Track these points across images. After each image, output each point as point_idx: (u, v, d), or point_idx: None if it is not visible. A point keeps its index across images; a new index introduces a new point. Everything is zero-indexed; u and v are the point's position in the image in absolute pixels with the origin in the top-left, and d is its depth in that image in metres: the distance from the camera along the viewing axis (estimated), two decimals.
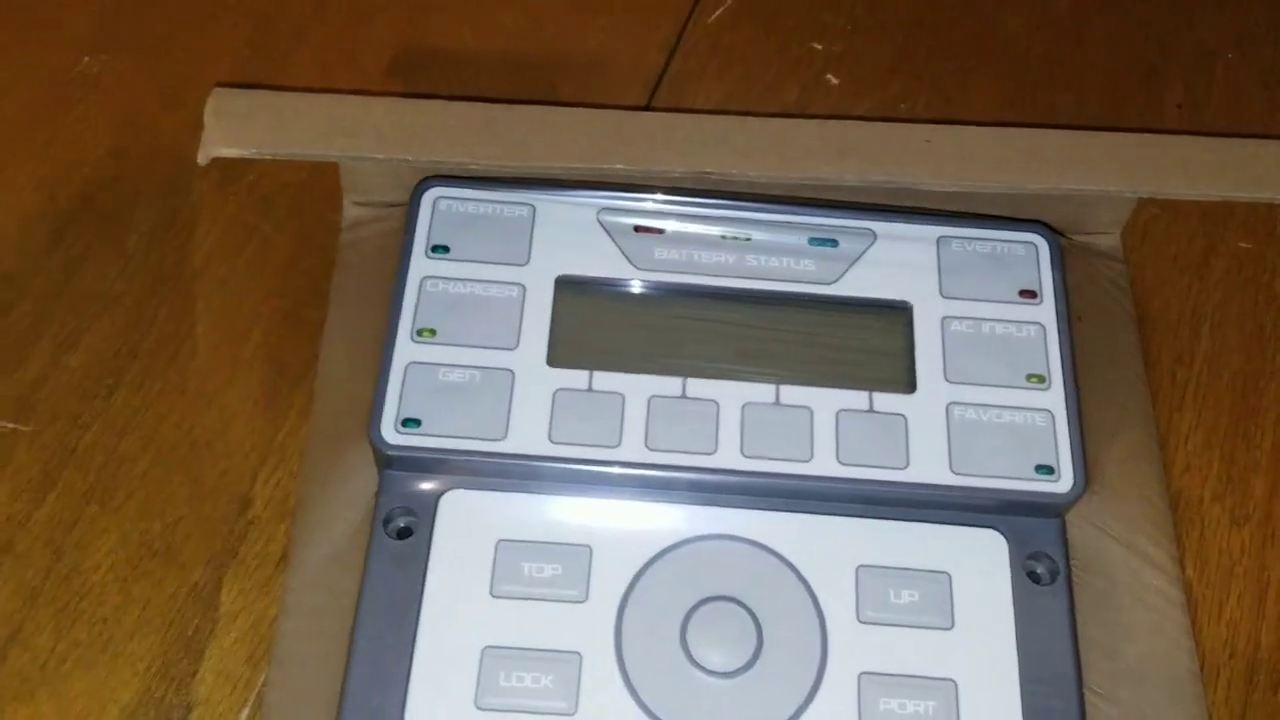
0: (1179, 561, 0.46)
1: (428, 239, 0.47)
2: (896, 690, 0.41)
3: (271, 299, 0.51)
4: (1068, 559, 0.44)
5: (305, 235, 0.53)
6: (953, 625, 0.42)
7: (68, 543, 0.46)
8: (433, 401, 0.44)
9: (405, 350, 0.45)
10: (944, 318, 0.47)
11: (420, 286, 0.46)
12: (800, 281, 0.48)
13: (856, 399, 0.45)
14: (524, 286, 0.47)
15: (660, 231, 0.48)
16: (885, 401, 0.45)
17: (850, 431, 0.44)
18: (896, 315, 0.47)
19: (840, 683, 0.41)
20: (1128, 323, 0.51)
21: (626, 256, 0.48)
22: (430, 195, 0.48)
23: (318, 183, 0.53)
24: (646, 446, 0.44)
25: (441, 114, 0.49)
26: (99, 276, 0.52)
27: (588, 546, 0.43)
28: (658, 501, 0.44)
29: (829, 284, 0.47)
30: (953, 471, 0.44)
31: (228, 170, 0.54)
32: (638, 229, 0.48)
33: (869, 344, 0.47)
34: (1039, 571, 0.43)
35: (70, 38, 0.58)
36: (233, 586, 0.46)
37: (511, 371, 0.45)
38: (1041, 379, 0.46)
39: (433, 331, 0.45)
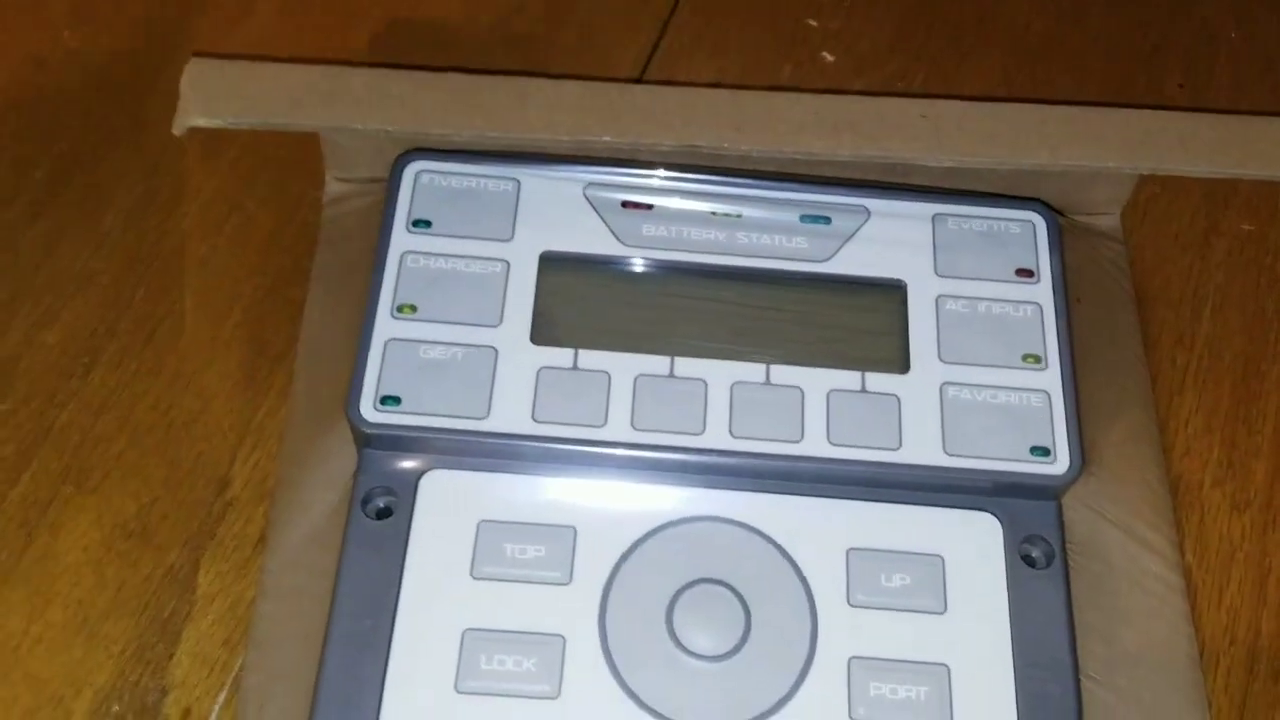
0: (1178, 547, 0.45)
1: (409, 213, 0.46)
2: (887, 675, 0.40)
3: (252, 277, 0.51)
4: (1064, 542, 0.43)
5: (286, 212, 0.52)
6: (945, 609, 0.41)
7: (42, 523, 0.45)
8: (413, 379, 0.43)
9: (385, 327, 0.44)
10: (939, 297, 0.46)
11: (401, 262, 0.45)
12: (792, 259, 0.47)
13: (848, 379, 0.44)
14: (507, 263, 0.46)
15: (648, 207, 0.47)
16: (878, 381, 0.44)
17: (842, 412, 0.43)
18: (890, 294, 0.46)
19: (830, 667, 0.40)
20: (1127, 304, 0.50)
21: (613, 233, 0.47)
22: (412, 169, 0.47)
23: (299, 159, 0.52)
24: (633, 426, 0.43)
25: (424, 84, 0.48)
26: (76, 254, 0.51)
27: (572, 528, 0.42)
28: (644, 482, 0.43)
29: (821, 262, 0.47)
30: (946, 453, 0.43)
31: (208, 146, 0.53)
32: (625, 204, 0.47)
33: (862, 323, 0.46)
34: (1034, 555, 0.42)
35: (49, 13, 0.57)
36: (210, 568, 0.45)
37: (494, 349, 0.44)
38: (1038, 359, 0.45)
39: (413, 308, 0.44)
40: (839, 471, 0.43)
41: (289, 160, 0.53)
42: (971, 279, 0.46)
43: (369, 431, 0.42)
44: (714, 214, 0.47)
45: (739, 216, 0.47)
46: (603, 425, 0.43)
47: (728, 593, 0.41)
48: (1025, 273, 0.46)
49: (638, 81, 0.57)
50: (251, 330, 0.49)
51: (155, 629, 0.44)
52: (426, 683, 0.40)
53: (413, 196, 0.47)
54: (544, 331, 0.44)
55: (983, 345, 0.45)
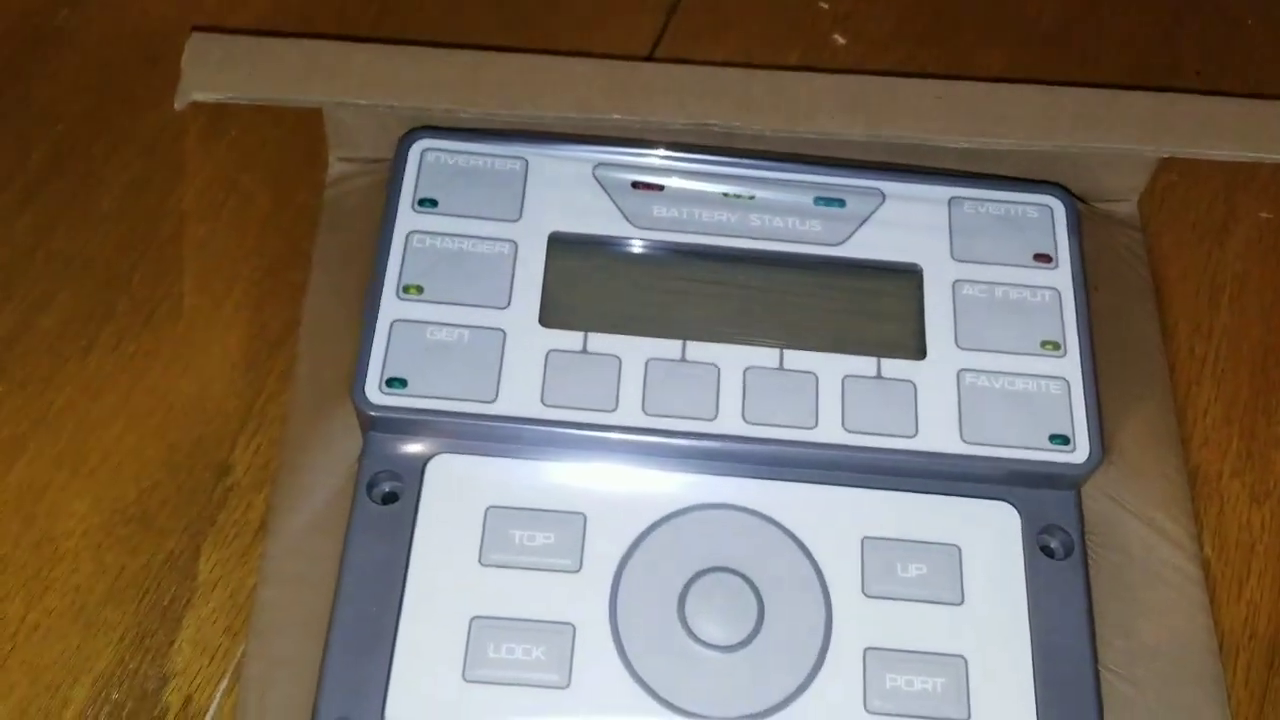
0: (1197, 538, 0.44)
1: (414, 192, 0.45)
2: (904, 666, 0.39)
3: (251, 258, 0.50)
4: (1083, 533, 0.42)
5: (286, 193, 0.51)
6: (962, 600, 0.40)
7: (39, 509, 0.45)
8: (419, 361, 0.42)
9: (390, 307, 0.43)
10: (955, 281, 0.45)
11: (406, 241, 0.44)
12: (806, 242, 0.46)
13: (864, 365, 0.43)
14: (515, 243, 0.45)
15: (659, 188, 0.46)
16: (894, 368, 0.43)
17: (857, 398, 0.43)
18: (906, 278, 0.45)
19: (845, 658, 0.40)
20: (1145, 292, 0.49)
21: (624, 214, 0.46)
22: (418, 147, 0.46)
23: (300, 139, 0.52)
24: (644, 411, 0.42)
25: (429, 60, 0.47)
26: (73, 236, 0.50)
27: (581, 514, 0.41)
28: (655, 468, 0.42)
29: (836, 245, 0.46)
30: (963, 440, 0.42)
31: (207, 125, 0.52)
32: (636, 185, 0.46)
33: (877, 308, 0.45)
34: (1053, 545, 0.42)
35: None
36: (211, 555, 0.44)
37: (503, 331, 0.43)
38: (1057, 345, 0.44)
39: (419, 288, 0.44)
40: (854, 459, 0.42)
41: (289, 140, 0.52)
42: (989, 264, 0.46)
43: (374, 414, 0.41)
44: (726, 195, 0.46)
45: (752, 198, 0.46)
46: (613, 410, 0.42)
47: (741, 582, 0.40)
48: (1043, 258, 0.46)
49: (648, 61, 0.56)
50: (251, 312, 0.49)
51: (155, 616, 0.43)
52: (434, 671, 0.39)
53: (418, 175, 0.46)
54: (553, 314, 0.44)
55: (1000, 331, 0.44)
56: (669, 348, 0.43)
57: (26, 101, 0.53)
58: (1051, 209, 0.47)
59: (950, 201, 0.47)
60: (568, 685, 0.39)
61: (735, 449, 0.42)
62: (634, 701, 0.39)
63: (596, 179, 0.46)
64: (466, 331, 0.43)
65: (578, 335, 0.43)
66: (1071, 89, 0.48)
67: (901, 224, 0.46)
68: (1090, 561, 0.42)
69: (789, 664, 0.39)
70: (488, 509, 0.41)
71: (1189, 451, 0.47)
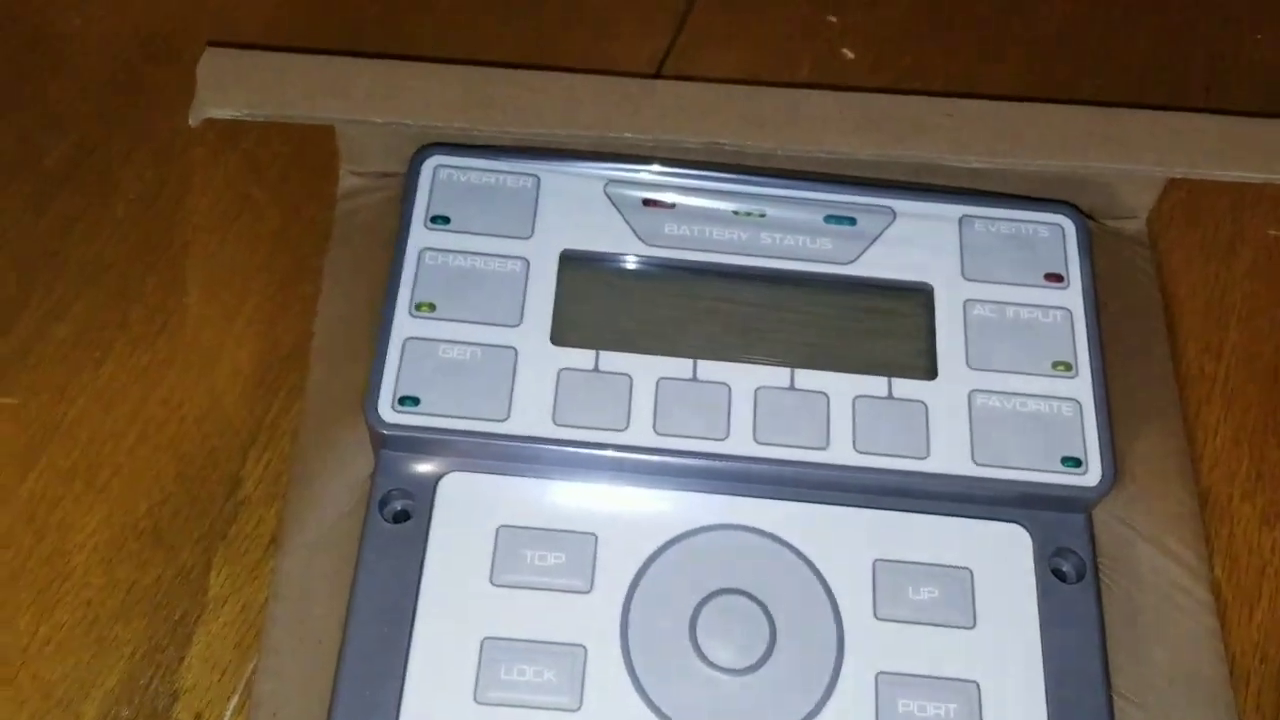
0: (1208, 561, 0.44)
1: (427, 209, 0.45)
2: (916, 691, 0.39)
3: (263, 271, 0.50)
4: (1095, 556, 0.42)
5: (299, 206, 0.51)
6: (974, 624, 0.40)
7: (50, 521, 0.45)
8: (432, 379, 0.42)
9: (403, 325, 0.43)
10: (966, 301, 0.45)
11: (419, 258, 0.44)
12: (816, 261, 0.46)
13: (875, 385, 0.43)
14: (527, 261, 0.45)
15: (670, 206, 0.46)
16: (905, 388, 0.43)
17: (868, 418, 0.43)
18: (917, 298, 0.45)
19: (857, 683, 0.40)
20: (1155, 311, 0.49)
21: (634, 231, 0.46)
22: (430, 163, 0.46)
23: (312, 152, 0.52)
24: (655, 431, 0.42)
25: (441, 77, 0.47)
26: (87, 245, 0.50)
27: (593, 534, 0.41)
28: (666, 488, 0.42)
29: (846, 264, 0.46)
30: (975, 462, 0.42)
31: (220, 136, 0.52)
32: (646, 202, 0.46)
33: (888, 327, 0.45)
34: (1065, 569, 0.42)
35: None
36: (222, 570, 0.44)
37: (514, 349, 0.43)
38: (1068, 366, 0.44)
39: (432, 306, 0.44)
40: (866, 480, 0.42)
41: (302, 152, 0.52)
42: (1000, 283, 0.45)
43: (387, 433, 0.41)
44: (737, 213, 0.46)
45: (763, 216, 0.46)
46: (625, 429, 0.42)
47: (752, 604, 0.40)
48: (1054, 277, 0.46)
49: (655, 77, 0.56)
50: (263, 325, 0.49)
51: (166, 631, 0.43)
52: (445, 692, 0.39)
53: (431, 192, 0.46)
54: (564, 332, 0.44)
55: (1012, 352, 0.44)
56: (680, 366, 0.43)
57: (42, 103, 0.53)
58: (1063, 228, 0.47)
59: (961, 220, 0.47)
60: (579, 707, 0.39)
61: (746, 469, 0.42)
62: None
63: (608, 196, 0.46)
64: (478, 349, 0.43)
65: (589, 354, 0.43)
66: (1081, 107, 0.48)
67: (912, 242, 0.46)
68: (1101, 585, 0.42)
69: (801, 688, 0.39)
70: (499, 528, 0.41)
71: (1199, 472, 0.47)
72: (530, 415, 0.42)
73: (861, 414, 0.43)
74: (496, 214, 0.46)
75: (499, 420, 0.42)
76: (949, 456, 0.42)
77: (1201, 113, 0.48)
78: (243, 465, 0.46)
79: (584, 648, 0.40)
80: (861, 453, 0.42)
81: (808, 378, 0.43)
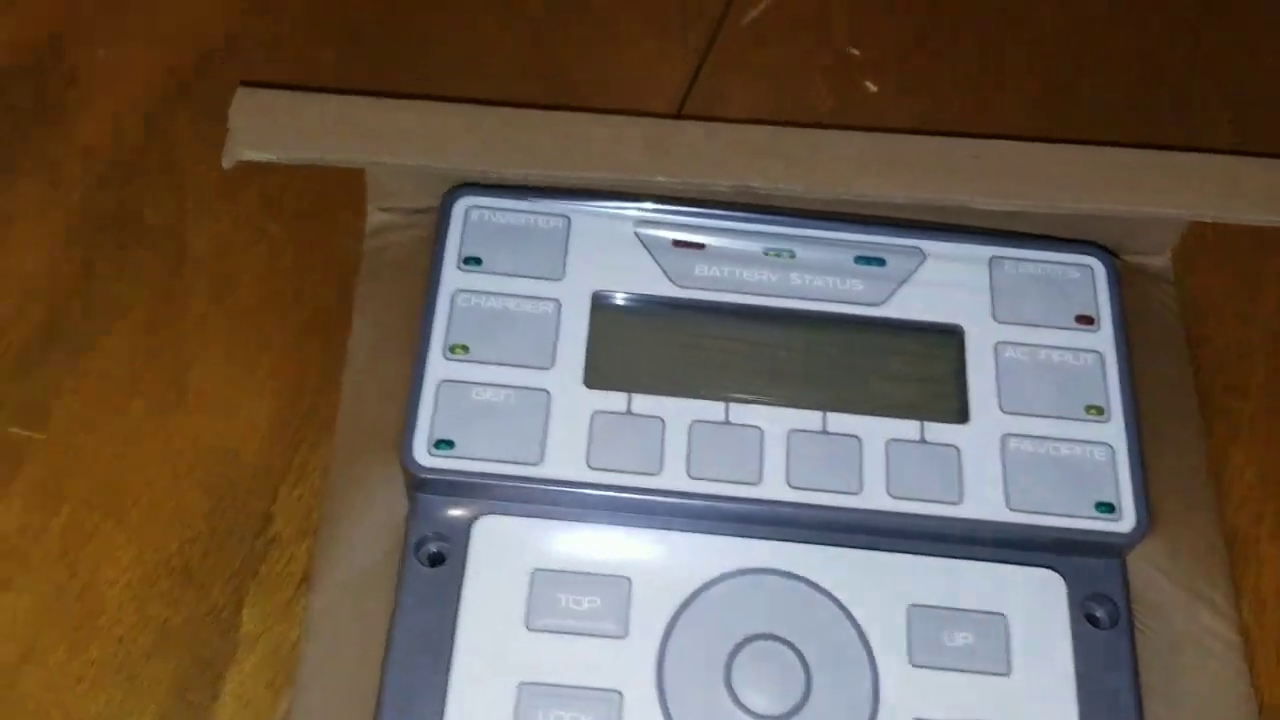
0: (1235, 603, 0.44)
1: (459, 250, 0.46)
2: None
3: (290, 307, 0.50)
4: (1129, 601, 0.42)
5: (325, 239, 0.51)
6: (1010, 670, 0.41)
7: (82, 558, 0.45)
8: (466, 422, 0.43)
9: (437, 368, 0.43)
10: (998, 343, 0.45)
11: (452, 300, 0.45)
12: (847, 302, 0.46)
13: (907, 428, 0.43)
14: (559, 302, 0.45)
15: (700, 246, 0.47)
16: (937, 432, 0.43)
17: (901, 463, 0.43)
18: (948, 340, 0.45)
19: None
20: (1180, 350, 0.49)
21: (665, 272, 0.46)
22: (461, 204, 0.46)
23: (339, 185, 0.51)
24: (689, 475, 0.42)
25: (472, 119, 0.47)
26: (114, 279, 0.50)
27: (627, 578, 0.41)
28: (700, 532, 0.42)
29: (877, 305, 0.46)
30: (1009, 508, 0.42)
31: (244, 171, 0.52)
32: (677, 243, 0.47)
33: (920, 370, 0.45)
34: (1099, 615, 0.42)
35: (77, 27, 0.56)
36: (253, 608, 0.44)
37: (547, 392, 0.43)
38: (1100, 410, 0.44)
39: (465, 348, 0.44)
40: (900, 525, 0.42)
41: (328, 186, 0.52)
42: (1030, 325, 0.46)
43: (423, 476, 0.42)
44: (767, 253, 0.46)
45: (792, 256, 0.46)
46: (658, 473, 0.42)
47: (787, 650, 0.40)
48: (1085, 319, 0.46)
49: (679, 110, 0.56)
50: (291, 361, 0.49)
51: (198, 669, 0.43)
52: None
53: (463, 233, 0.46)
54: (597, 374, 0.44)
55: (1044, 395, 0.44)
56: (712, 409, 0.43)
57: (69, 138, 0.53)
58: (1092, 269, 0.47)
59: (991, 261, 0.47)
60: None
61: (780, 514, 0.42)
62: None
63: (638, 237, 0.46)
64: (512, 392, 0.43)
65: (622, 396, 0.43)
66: (1106, 149, 0.48)
67: (942, 283, 0.46)
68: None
69: None
70: (534, 571, 0.41)
71: (1225, 513, 0.47)
72: (564, 459, 0.42)
73: (895, 458, 0.43)
74: (528, 255, 0.46)
75: (533, 464, 0.42)
76: (983, 502, 0.42)
77: (1227, 154, 0.48)
78: (273, 502, 0.46)
79: (620, 693, 0.40)
80: (895, 498, 0.42)
81: (840, 421, 0.43)
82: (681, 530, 0.42)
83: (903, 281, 0.46)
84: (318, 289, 0.50)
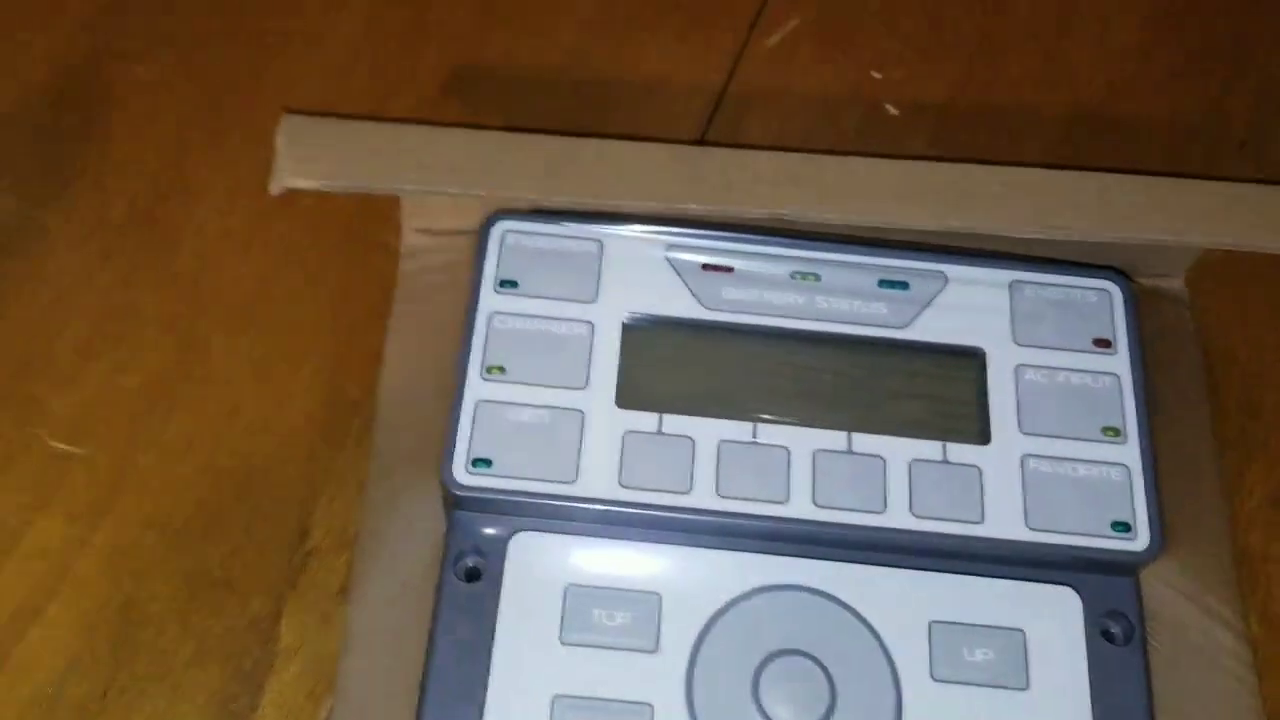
0: (1247, 621, 0.45)
1: (496, 273, 0.47)
2: None
3: (328, 323, 0.51)
4: (1143, 619, 0.43)
5: (362, 257, 0.52)
6: (1027, 686, 0.42)
7: (124, 570, 0.46)
8: (503, 441, 0.44)
9: (475, 388, 0.45)
10: (1018, 366, 0.46)
11: (489, 322, 0.46)
12: (871, 325, 0.47)
13: (930, 449, 0.44)
14: (592, 324, 0.46)
15: (729, 270, 0.48)
16: (959, 452, 0.45)
17: (924, 483, 0.44)
18: (969, 362, 0.47)
19: None
20: (1195, 371, 0.50)
21: (695, 295, 0.47)
22: (499, 228, 0.48)
23: (374, 206, 0.52)
24: (718, 494, 0.43)
25: (510, 147, 0.48)
26: (153, 295, 0.51)
27: (657, 594, 0.43)
28: (728, 549, 0.43)
29: (900, 328, 0.47)
30: (1028, 527, 0.43)
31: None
32: (706, 267, 0.48)
33: (942, 391, 0.46)
34: (1114, 631, 0.43)
35: (120, 52, 0.57)
36: (293, 619, 0.45)
37: (581, 412, 0.44)
38: (1117, 432, 0.45)
39: (502, 369, 0.45)
40: (922, 544, 0.43)
41: (362, 208, 0.53)
42: (1050, 348, 0.47)
43: (461, 494, 0.43)
44: (793, 276, 0.48)
45: (818, 279, 0.48)
46: (688, 492, 0.43)
47: (813, 665, 0.42)
48: (1103, 343, 0.47)
49: (703, 134, 0.57)
50: (328, 377, 0.50)
51: (239, 680, 0.44)
52: None
53: (500, 257, 0.47)
54: (629, 395, 0.45)
55: (1062, 417, 0.45)
56: (741, 429, 0.44)
57: (109, 155, 0.54)
58: (1110, 293, 0.48)
59: (1011, 285, 0.48)
60: None
61: (806, 532, 0.43)
62: None
63: (668, 261, 0.48)
64: (547, 413, 0.44)
65: (653, 416, 0.45)
66: (1125, 176, 0.49)
67: (964, 307, 0.47)
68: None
69: None
70: (568, 587, 0.42)
71: (1237, 532, 0.48)
72: (597, 477, 0.43)
73: (918, 478, 0.44)
74: (562, 278, 0.47)
75: (568, 482, 0.43)
76: (1003, 521, 0.43)
77: (1244, 182, 0.49)
78: (311, 515, 0.47)
79: (650, 706, 0.41)
80: (918, 517, 0.43)
81: (865, 441, 0.45)
82: (710, 547, 0.43)
83: (925, 305, 0.47)
84: (354, 308, 0.51)
